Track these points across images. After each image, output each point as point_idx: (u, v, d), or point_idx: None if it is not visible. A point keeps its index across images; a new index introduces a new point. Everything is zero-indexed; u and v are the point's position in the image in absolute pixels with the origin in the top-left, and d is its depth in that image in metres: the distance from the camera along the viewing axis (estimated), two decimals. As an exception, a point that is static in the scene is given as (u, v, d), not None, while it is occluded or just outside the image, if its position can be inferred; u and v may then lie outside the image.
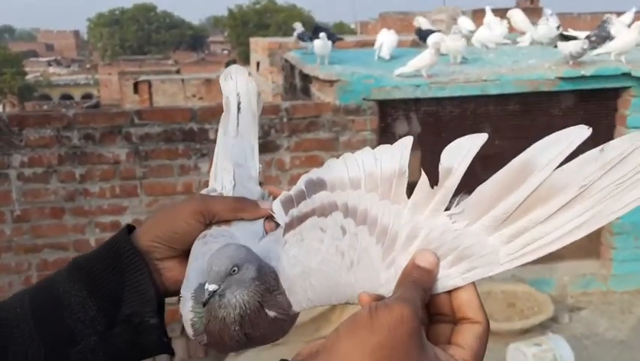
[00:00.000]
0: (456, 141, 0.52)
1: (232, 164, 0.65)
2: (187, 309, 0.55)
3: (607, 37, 4.29)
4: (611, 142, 0.45)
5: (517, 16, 5.82)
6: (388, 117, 3.85)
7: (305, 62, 4.33)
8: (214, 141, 2.95)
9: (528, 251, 0.46)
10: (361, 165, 0.57)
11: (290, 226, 0.58)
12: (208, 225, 0.61)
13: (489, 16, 5.49)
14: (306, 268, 0.54)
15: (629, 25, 4.73)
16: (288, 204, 0.60)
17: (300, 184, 0.60)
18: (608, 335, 3.66)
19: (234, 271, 0.51)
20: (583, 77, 3.82)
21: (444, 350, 0.47)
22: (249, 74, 0.71)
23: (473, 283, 0.49)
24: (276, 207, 0.61)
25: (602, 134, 4.15)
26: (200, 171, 3.57)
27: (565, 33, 4.34)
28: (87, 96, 34.02)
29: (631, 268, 4.16)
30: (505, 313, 3.66)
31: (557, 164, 0.46)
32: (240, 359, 3.04)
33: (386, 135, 3.89)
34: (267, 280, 0.53)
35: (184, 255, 0.61)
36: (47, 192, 3.49)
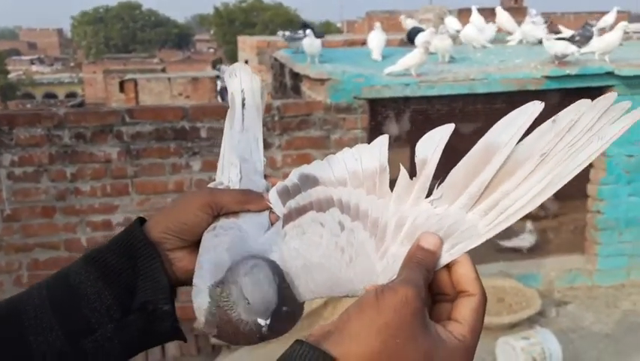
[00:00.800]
0: (427, 133, 0.56)
1: (239, 158, 0.67)
2: (202, 301, 0.57)
3: (591, 37, 4.38)
4: (560, 113, 0.51)
5: (503, 17, 5.90)
6: (379, 115, 3.89)
7: (295, 60, 4.36)
8: (206, 140, 2.98)
9: (503, 219, 0.51)
10: (344, 165, 0.60)
11: (289, 218, 0.61)
12: (216, 216, 0.64)
13: (475, 16, 5.55)
14: (308, 261, 0.57)
15: (612, 25, 4.83)
16: (284, 195, 0.62)
17: (293, 178, 0.63)
18: (594, 329, 3.73)
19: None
20: (568, 76, 3.89)
21: (444, 327, 0.50)
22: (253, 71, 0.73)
23: (468, 258, 0.53)
24: (273, 198, 0.63)
25: (587, 131, 4.23)
26: (191, 169, 3.59)
27: (560, 35, 4.41)
28: (71, 95, 33.66)
29: (615, 263, 4.25)
30: (495, 308, 3.72)
31: (517, 139, 0.51)
32: (233, 356, 3.06)
33: (377, 133, 3.94)
34: (279, 279, 0.56)
35: (193, 245, 0.63)
36: (38, 191, 3.48)
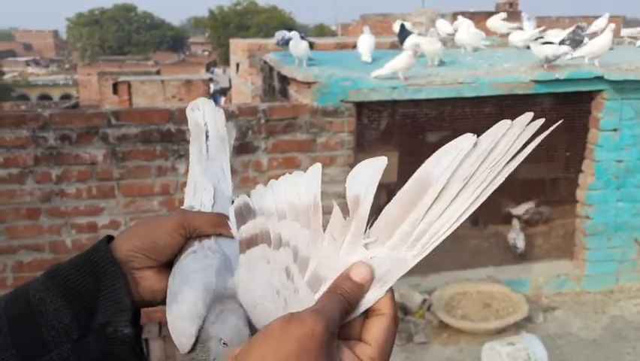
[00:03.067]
0: (357, 167, 0.53)
1: (212, 184, 0.67)
2: (188, 332, 0.56)
3: (581, 42, 4.38)
4: (482, 135, 0.51)
5: (496, 22, 5.90)
6: (366, 119, 3.88)
7: (283, 63, 4.34)
8: (190, 142, 2.86)
9: (428, 246, 0.51)
10: (284, 195, 0.58)
11: (241, 247, 0.60)
12: (188, 238, 0.62)
13: (463, 21, 5.57)
14: (253, 301, 0.56)
15: (603, 30, 4.83)
16: (239, 219, 0.61)
17: (239, 203, 0.62)
18: (581, 335, 3.72)
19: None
20: (557, 80, 3.89)
21: (351, 350, 0.49)
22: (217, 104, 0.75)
23: None
24: (232, 220, 0.62)
25: (576, 136, 4.23)
26: (177, 172, 3.56)
27: (546, 40, 4.41)
28: (66, 97, 33.57)
29: (604, 269, 4.24)
30: (481, 313, 3.70)
31: (450, 174, 0.50)
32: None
33: (364, 136, 3.93)
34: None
35: (162, 266, 0.62)
36: (23, 192, 3.45)
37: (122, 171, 3.53)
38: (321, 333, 0.46)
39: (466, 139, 0.51)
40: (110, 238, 0.63)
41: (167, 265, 0.62)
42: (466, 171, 0.50)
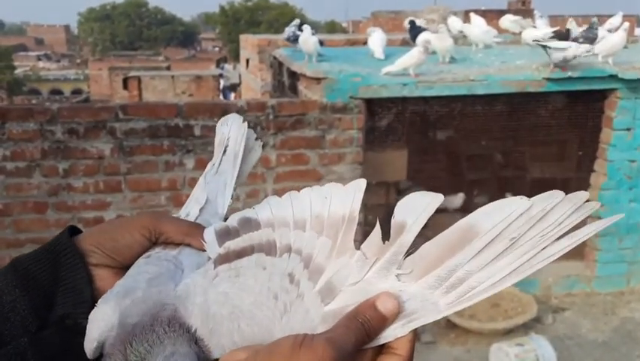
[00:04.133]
0: (412, 195, 0.51)
1: (205, 198, 0.65)
2: (94, 327, 0.53)
3: (595, 39, 4.32)
4: (534, 198, 0.49)
5: (507, 22, 5.84)
6: (375, 116, 3.84)
7: (293, 59, 4.31)
8: (199, 137, 2.93)
9: (465, 299, 0.48)
10: (309, 205, 0.55)
11: (225, 259, 0.55)
12: (155, 243, 0.60)
13: (475, 18, 5.52)
14: (237, 308, 0.51)
15: (617, 29, 4.76)
16: (224, 236, 0.57)
17: (233, 221, 0.58)
18: (591, 337, 3.67)
19: None
20: (570, 79, 3.83)
21: None
22: (244, 120, 0.72)
23: None
24: (209, 236, 0.58)
25: (589, 135, 4.17)
26: (185, 167, 3.55)
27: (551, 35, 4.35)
28: (77, 91, 33.78)
29: (615, 270, 4.18)
30: (489, 313, 3.66)
31: (500, 231, 0.48)
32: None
33: (373, 134, 3.89)
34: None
35: (121, 268, 0.59)
36: (30, 186, 3.45)
37: (129, 165, 3.52)
38: None
39: (521, 200, 0.49)
40: (74, 230, 0.61)
41: (127, 268, 0.58)
42: (514, 231, 0.48)
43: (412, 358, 0.48)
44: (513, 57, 4.52)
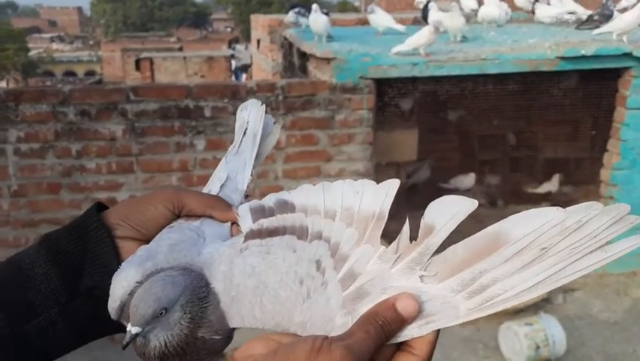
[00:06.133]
0: (446, 198, 0.51)
1: (226, 175, 0.68)
2: (118, 286, 0.55)
3: (610, 16, 4.25)
4: (570, 208, 0.48)
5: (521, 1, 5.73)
6: (385, 96, 3.83)
7: (303, 39, 4.29)
8: (210, 119, 2.95)
9: (487, 306, 0.47)
10: (340, 197, 0.56)
11: (257, 235, 0.57)
12: (178, 216, 0.62)
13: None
14: (262, 284, 0.52)
15: (634, 6, 4.66)
16: (258, 212, 0.59)
17: (269, 201, 0.59)
18: (602, 317, 3.67)
19: (162, 313, 0.50)
20: (583, 57, 3.77)
21: None
22: (262, 104, 0.75)
23: None
24: (243, 211, 0.60)
25: (602, 114, 4.12)
26: (195, 148, 3.57)
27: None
28: (90, 73, 33.91)
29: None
30: (499, 293, 3.67)
31: (531, 240, 0.47)
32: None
33: (383, 114, 3.88)
34: (198, 308, 0.51)
35: (146, 240, 0.61)
36: (44, 167, 3.49)
37: (140, 146, 3.54)
38: None
39: (556, 211, 0.48)
40: (102, 206, 0.63)
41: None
42: (546, 241, 0.47)
43: (430, 359, 0.48)
44: (526, 36, 4.45)
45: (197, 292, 0.51)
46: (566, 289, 3.93)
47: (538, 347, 3.08)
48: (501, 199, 4.52)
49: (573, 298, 3.85)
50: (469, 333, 3.47)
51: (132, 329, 0.50)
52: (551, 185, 4.49)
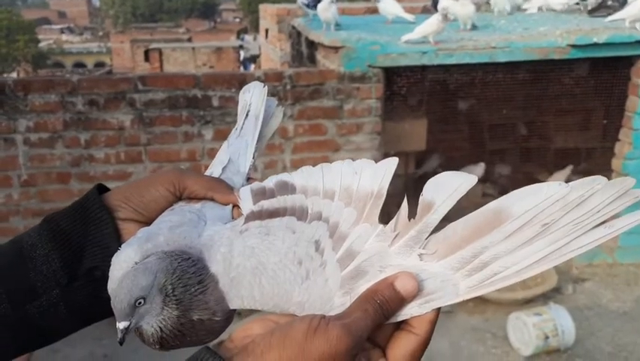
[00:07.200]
0: (444, 175, 0.50)
1: (228, 158, 0.67)
2: (117, 267, 0.54)
3: (623, 3, 4.18)
4: (573, 182, 0.46)
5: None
6: (394, 85, 3.80)
7: (311, 28, 4.27)
8: (218, 108, 2.95)
9: (487, 283, 0.47)
10: (339, 177, 0.56)
11: (257, 216, 0.57)
12: (179, 198, 0.62)
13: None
14: (262, 265, 0.52)
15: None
16: (259, 194, 0.59)
17: (270, 182, 0.59)
18: (612, 307, 3.65)
19: (140, 303, 0.50)
20: (595, 45, 3.72)
21: None
22: (264, 85, 0.75)
23: None
24: (244, 193, 0.60)
25: (614, 103, 4.07)
26: (203, 138, 3.57)
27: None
28: (100, 64, 34.02)
29: (638, 241, 4.12)
30: (508, 283, 3.65)
31: (532, 216, 0.46)
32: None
33: (392, 103, 3.85)
34: (183, 289, 0.50)
35: (147, 222, 0.61)
36: (53, 157, 3.51)
37: (149, 136, 3.55)
38: (343, 354, 0.43)
39: (559, 186, 0.47)
40: (103, 188, 0.63)
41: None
42: (548, 217, 0.46)
43: (430, 338, 0.48)
44: (537, 23, 4.40)
45: (182, 274, 0.51)
46: (575, 280, 3.90)
47: (547, 337, 3.07)
48: (511, 189, 4.48)
49: (583, 288, 3.83)
50: (478, 323, 3.46)
51: (119, 325, 0.50)
52: (562, 175, 4.45)
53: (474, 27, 4.22)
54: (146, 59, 13.73)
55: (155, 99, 3.50)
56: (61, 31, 47.47)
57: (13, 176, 3.49)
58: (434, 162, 4.19)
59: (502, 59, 3.72)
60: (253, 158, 0.68)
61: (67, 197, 3.57)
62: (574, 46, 3.72)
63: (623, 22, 3.89)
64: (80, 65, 35.29)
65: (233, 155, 0.68)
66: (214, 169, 0.67)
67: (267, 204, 0.57)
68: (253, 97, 0.72)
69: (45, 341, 0.60)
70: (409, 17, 4.44)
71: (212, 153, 3.57)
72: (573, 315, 3.23)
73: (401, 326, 0.48)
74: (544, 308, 3.22)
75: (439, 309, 0.47)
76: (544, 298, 3.56)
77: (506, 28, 4.25)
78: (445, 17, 3.60)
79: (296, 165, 3.60)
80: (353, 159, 0.57)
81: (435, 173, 0.51)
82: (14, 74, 26.37)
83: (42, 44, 36.47)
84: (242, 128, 0.70)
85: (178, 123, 3.55)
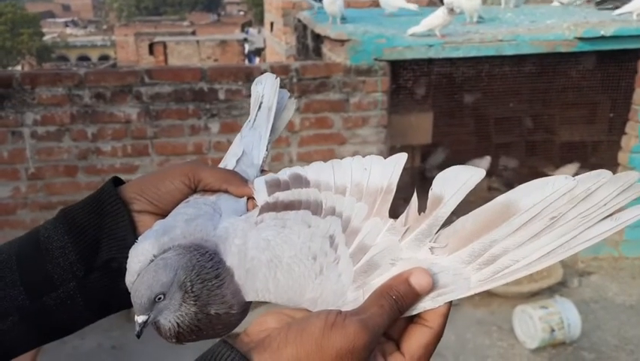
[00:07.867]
0: (453, 168, 0.51)
1: (242, 151, 0.68)
2: (134, 260, 0.55)
3: (630, -4, 4.15)
4: (579, 176, 0.47)
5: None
6: (400, 78, 3.79)
7: (317, 21, 4.26)
8: (224, 102, 2.96)
9: (498, 277, 0.47)
10: (349, 173, 0.56)
11: (272, 207, 0.57)
12: (194, 190, 0.62)
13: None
14: (277, 258, 0.52)
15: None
16: (274, 186, 0.59)
17: (284, 174, 0.60)
18: (618, 300, 3.65)
19: (159, 298, 0.50)
20: (602, 38, 3.71)
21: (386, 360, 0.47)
22: (277, 77, 0.75)
23: None
24: (258, 184, 0.60)
25: (621, 96, 4.06)
26: (210, 131, 3.57)
27: None
28: (104, 57, 34.01)
29: (644, 234, 4.12)
30: (514, 276, 3.66)
31: (540, 209, 0.47)
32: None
33: (398, 97, 3.85)
34: (201, 285, 0.51)
35: (163, 215, 0.61)
36: (60, 150, 3.52)
37: (155, 129, 3.56)
38: (360, 350, 0.44)
39: (565, 179, 0.48)
40: (118, 180, 0.63)
41: (168, 214, 0.61)
42: (555, 211, 0.47)
43: (443, 331, 0.49)
44: (543, 16, 4.38)
45: (200, 270, 0.51)
46: (581, 273, 3.90)
47: (553, 330, 3.07)
48: (517, 183, 4.48)
49: (589, 281, 3.83)
50: (483, 315, 3.47)
51: (138, 318, 0.51)
52: (569, 169, 4.44)
53: (480, 20, 4.21)
54: (151, 52, 13.70)
55: (162, 92, 3.51)
56: (66, 24, 47.46)
57: (20, 169, 3.51)
58: (440, 156, 4.19)
59: (508, 52, 3.70)
60: (267, 150, 0.69)
61: (75, 190, 3.59)
62: (581, 39, 3.71)
63: (630, 15, 3.87)
64: (84, 58, 35.31)
65: (247, 147, 0.68)
66: (228, 162, 0.67)
67: (282, 195, 0.58)
68: (265, 89, 0.72)
69: (62, 333, 0.61)
70: (413, 7, 4.42)
71: (218, 146, 3.57)
72: (579, 308, 3.23)
73: (414, 319, 0.49)
74: (550, 301, 3.22)
75: (450, 302, 0.48)
76: (550, 291, 3.56)
77: (513, 21, 4.23)
78: (452, 10, 3.59)
79: (302, 158, 3.60)
80: (360, 154, 0.58)
81: (441, 166, 0.51)
82: (19, 68, 26.40)
83: (46, 38, 36.48)
84: (255, 120, 0.71)
85: (184, 116, 3.55)
